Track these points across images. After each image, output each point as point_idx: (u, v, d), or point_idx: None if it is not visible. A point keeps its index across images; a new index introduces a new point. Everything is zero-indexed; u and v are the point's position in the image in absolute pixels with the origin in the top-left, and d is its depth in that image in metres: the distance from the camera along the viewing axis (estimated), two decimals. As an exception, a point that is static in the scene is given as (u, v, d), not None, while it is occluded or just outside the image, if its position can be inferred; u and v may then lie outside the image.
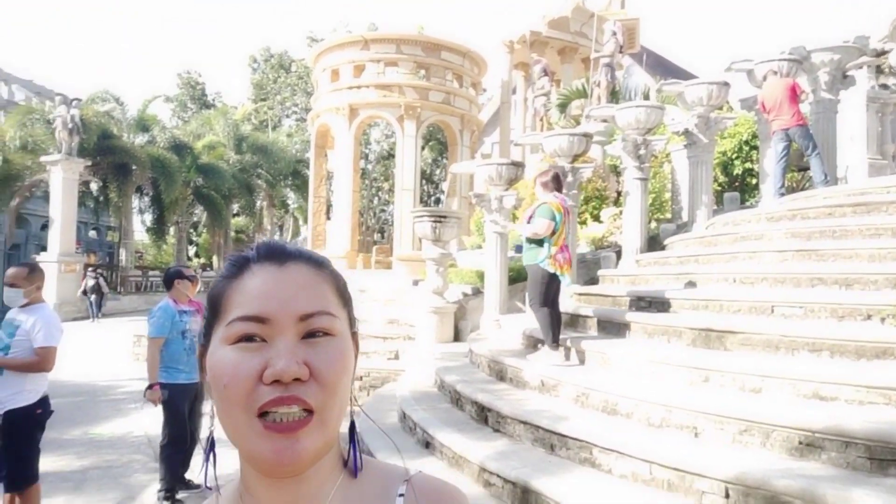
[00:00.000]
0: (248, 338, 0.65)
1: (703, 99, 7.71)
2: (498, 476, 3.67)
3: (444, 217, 9.25)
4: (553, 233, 4.85)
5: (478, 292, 9.30)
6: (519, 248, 5.44)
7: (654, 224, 10.04)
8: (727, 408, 3.32)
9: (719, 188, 10.69)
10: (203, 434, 0.74)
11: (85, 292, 19.04)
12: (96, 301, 18.86)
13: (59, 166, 19.72)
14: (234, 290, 0.68)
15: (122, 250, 26.26)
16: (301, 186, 28.18)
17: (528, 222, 4.94)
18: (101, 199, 25.73)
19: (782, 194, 7.31)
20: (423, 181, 26.78)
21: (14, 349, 3.71)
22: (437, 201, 28.95)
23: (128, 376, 10.08)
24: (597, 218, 10.84)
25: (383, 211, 31.88)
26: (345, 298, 0.73)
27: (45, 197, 22.30)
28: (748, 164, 11.01)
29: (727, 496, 2.81)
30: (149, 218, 27.95)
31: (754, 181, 10.62)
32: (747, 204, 9.63)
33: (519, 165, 8.35)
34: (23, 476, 3.76)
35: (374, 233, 28.40)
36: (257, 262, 0.69)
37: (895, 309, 3.70)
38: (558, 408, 4.24)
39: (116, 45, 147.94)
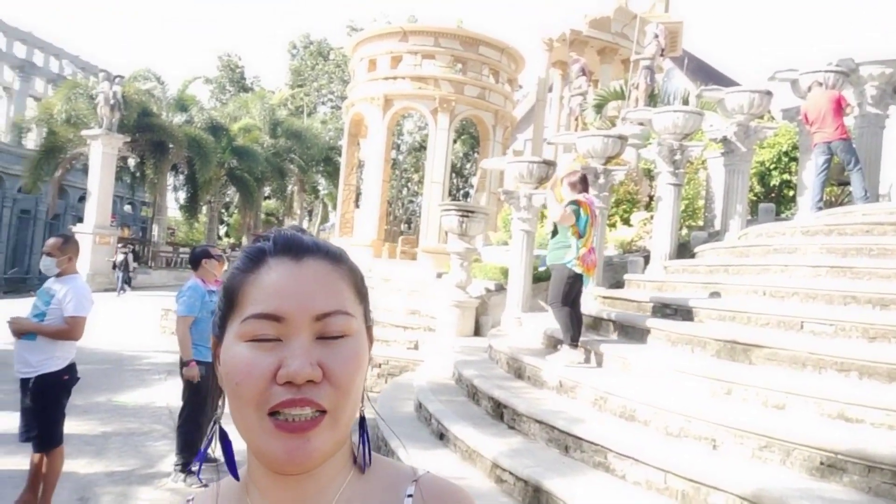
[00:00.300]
0: (263, 336, 0.64)
1: (743, 107, 7.54)
2: (510, 473, 3.67)
3: (472, 212, 9.25)
4: (580, 235, 4.83)
5: (501, 289, 9.29)
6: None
7: (685, 231, 9.89)
8: (748, 422, 3.26)
9: (755, 198, 10.45)
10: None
11: (115, 265, 19.54)
12: (123, 277, 19.34)
13: (99, 141, 20.23)
14: (250, 285, 0.66)
15: (155, 226, 26.88)
16: (332, 173, 28.42)
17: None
18: (138, 174, 26.35)
19: (820, 208, 7.14)
20: (453, 175, 26.78)
21: (49, 317, 3.87)
22: (466, 195, 28.90)
23: (153, 348, 10.34)
24: (627, 221, 10.72)
25: (411, 202, 31.94)
26: (361, 294, 0.71)
27: (84, 170, 22.91)
28: (786, 176, 10.73)
29: (742, 511, 2.76)
30: (182, 196, 28.57)
31: (791, 193, 10.35)
32: (783, 216, 9.40)
33: (550, 164, 8.27)
34: (49, 437, 3.90)
35: (402, 223, 28.52)
36: (274, 256, 0.67)
37: (931, 333, 3.59)
38: (575, 409, 4.22)
39: (160, 25, 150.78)
